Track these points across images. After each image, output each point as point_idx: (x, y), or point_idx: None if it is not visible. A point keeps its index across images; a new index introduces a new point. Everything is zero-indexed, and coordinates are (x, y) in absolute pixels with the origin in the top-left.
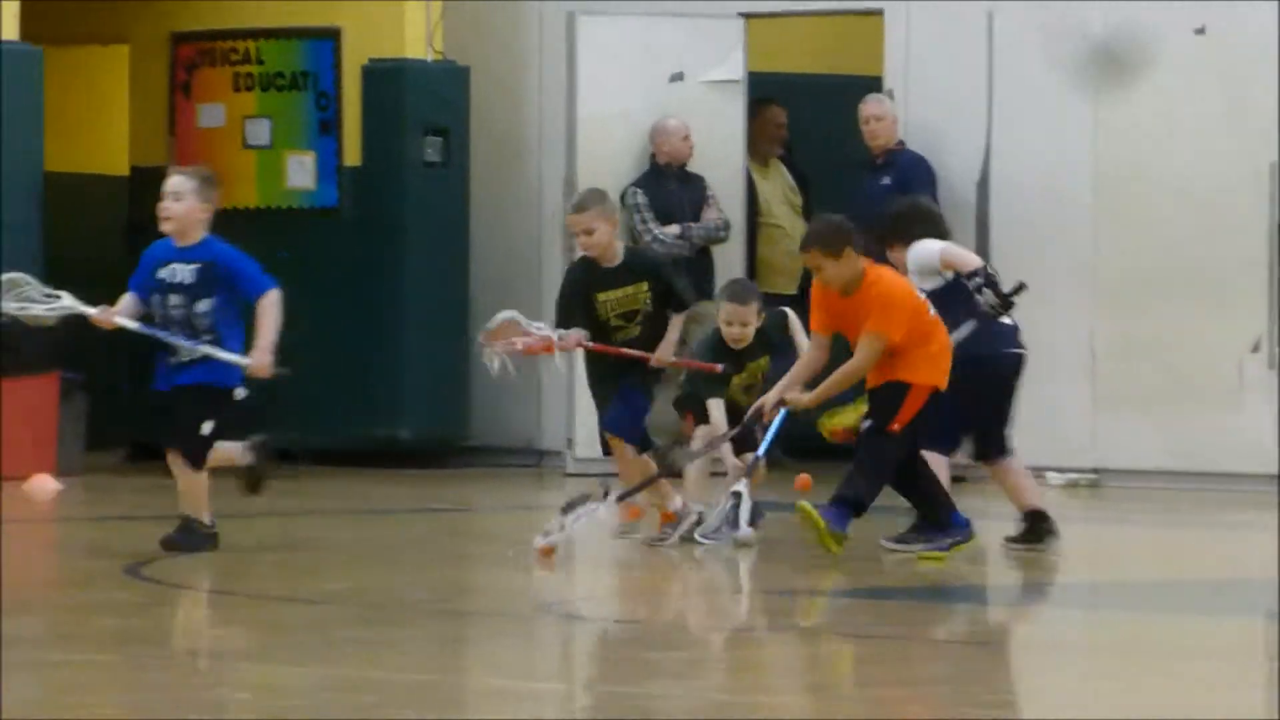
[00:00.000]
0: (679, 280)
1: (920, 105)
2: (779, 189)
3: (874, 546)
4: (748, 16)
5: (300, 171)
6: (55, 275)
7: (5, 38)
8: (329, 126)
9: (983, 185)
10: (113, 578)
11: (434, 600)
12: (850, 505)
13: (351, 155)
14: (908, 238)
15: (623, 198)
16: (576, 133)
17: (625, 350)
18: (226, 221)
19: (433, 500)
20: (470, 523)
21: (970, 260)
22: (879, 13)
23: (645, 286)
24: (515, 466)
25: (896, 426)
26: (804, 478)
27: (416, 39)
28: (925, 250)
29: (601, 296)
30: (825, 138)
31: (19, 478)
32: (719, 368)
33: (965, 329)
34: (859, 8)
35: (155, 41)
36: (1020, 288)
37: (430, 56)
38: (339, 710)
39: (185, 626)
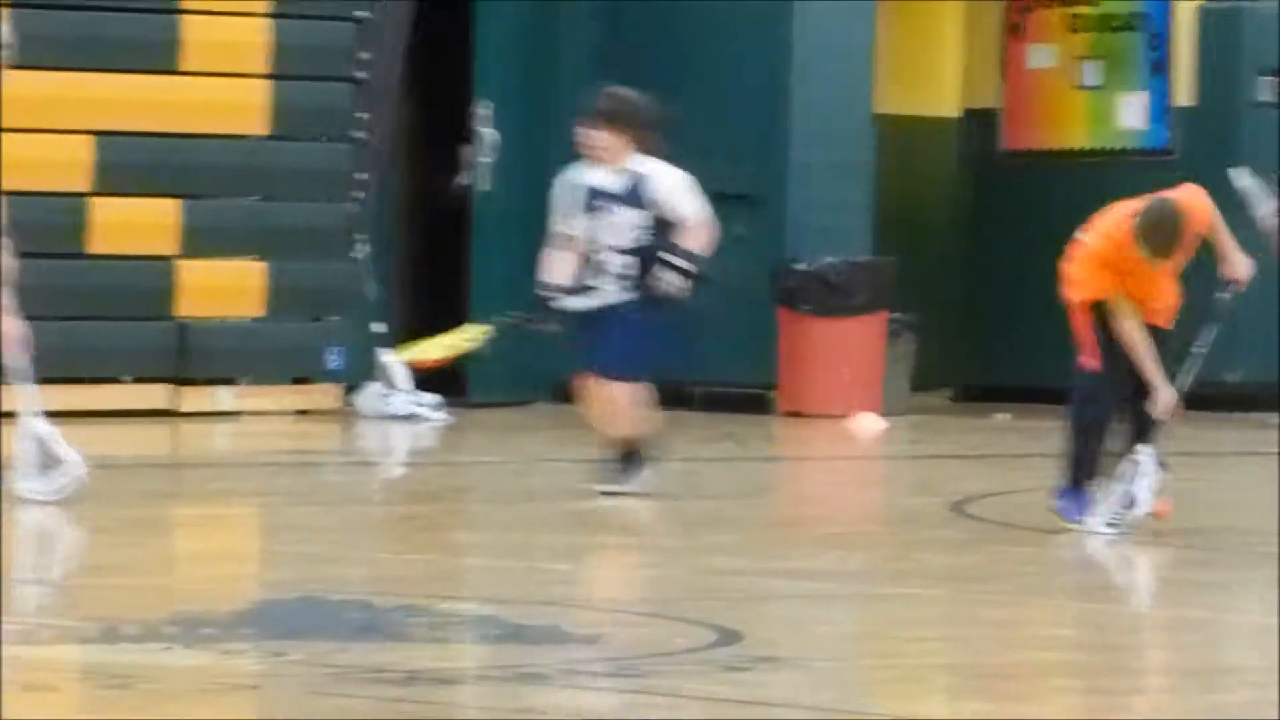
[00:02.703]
0: None
1: None
2: None
3: None
4: None
5: (1132, 112)
6: (887, 217)
7: None
8: (1160, 67)
9: None
10: (939, 515)
11: (1262, 542)
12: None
13: (1184, 95)
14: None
15: None
16: None
17: None
18: (1056, 162)
19: (1260, 445)
20: None
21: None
22: None
23: None
24: None
25: (1083, 359)
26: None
27: None
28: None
29: None
30: None
31: (843, 415)
32: None
33: None
34: None
35: None
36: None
37: None
38: (1162, 648)
39: (1012, 563)
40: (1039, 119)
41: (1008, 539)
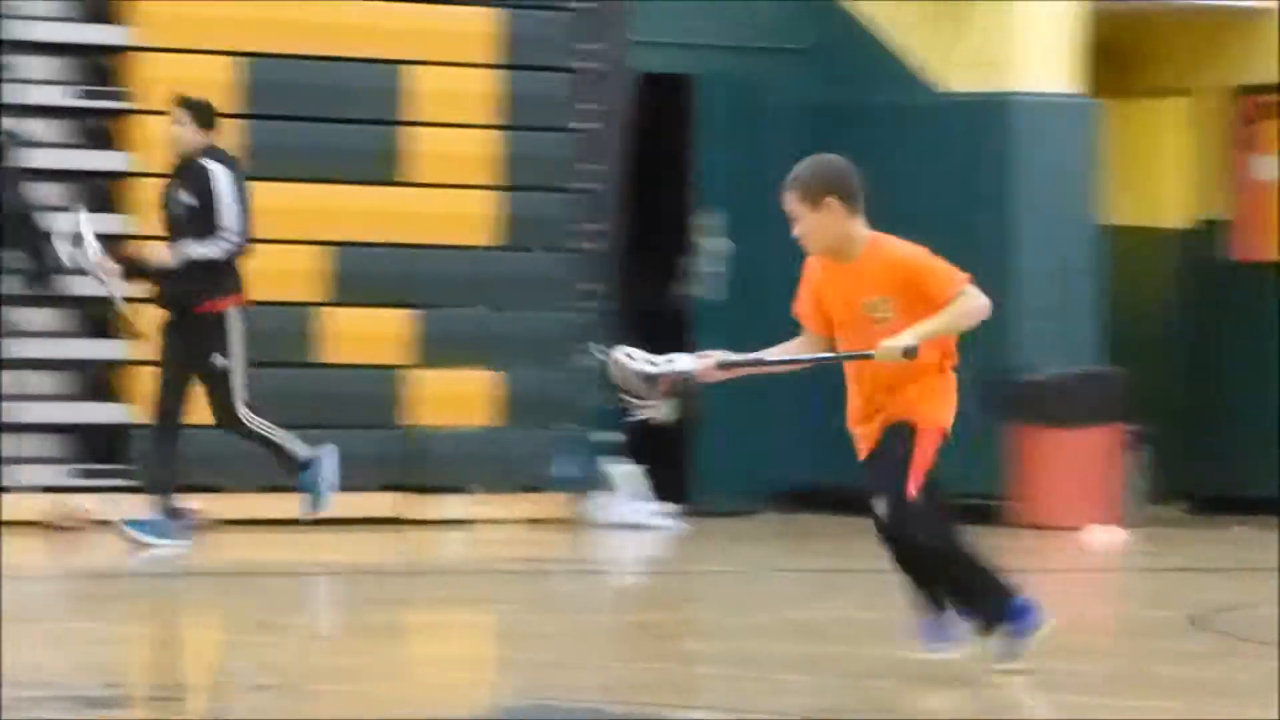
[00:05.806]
0: None
1: None
2: None
3: None
4: None
5: None
6: (1115, 322)
7: (1064, 90)
8: None
9: None
10: (1178, 627)
11: None
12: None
13: None
14: None
15: None
16: None
17: None
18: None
19: None
20: None
21: None
22: None
23: None
24: None
25: (913, 488)
26: None
27: None
28: None
29: None
30: None
31: (1072, 528)
32: None
33: None
34: None
35: (1217, 94)
36: None
37: None
38: None
39: (1255, 679)
40: (1266, 229)
41: (1249, 654)
